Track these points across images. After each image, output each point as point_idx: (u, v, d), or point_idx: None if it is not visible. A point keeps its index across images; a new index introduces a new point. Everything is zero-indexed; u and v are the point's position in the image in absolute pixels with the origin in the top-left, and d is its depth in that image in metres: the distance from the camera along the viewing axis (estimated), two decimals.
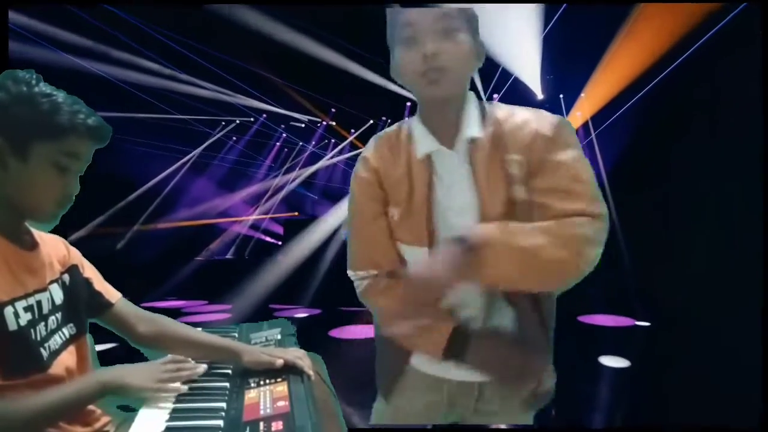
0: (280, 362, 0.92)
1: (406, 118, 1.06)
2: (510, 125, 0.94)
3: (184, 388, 0.83)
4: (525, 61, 5.93)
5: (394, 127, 1.05)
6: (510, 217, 0.89)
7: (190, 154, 8.46)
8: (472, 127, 0.95)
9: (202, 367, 0.89)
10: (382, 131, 1.06)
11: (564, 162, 0.92)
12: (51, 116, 0.80)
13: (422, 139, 0.97)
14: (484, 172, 0.92)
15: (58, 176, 0.83)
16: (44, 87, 0.82)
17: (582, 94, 6.52)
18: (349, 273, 1.06)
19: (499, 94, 6.97)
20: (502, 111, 0.98)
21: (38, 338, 0.83)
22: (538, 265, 0.83)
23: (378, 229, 1.00)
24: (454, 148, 0.96)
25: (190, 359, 0.94)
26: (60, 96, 0.82)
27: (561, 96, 6.96)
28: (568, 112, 6.94)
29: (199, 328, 1.11)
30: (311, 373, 0.92)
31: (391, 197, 0.99)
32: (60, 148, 0.81)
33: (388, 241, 1.00)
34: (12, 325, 0.77)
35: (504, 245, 0.82)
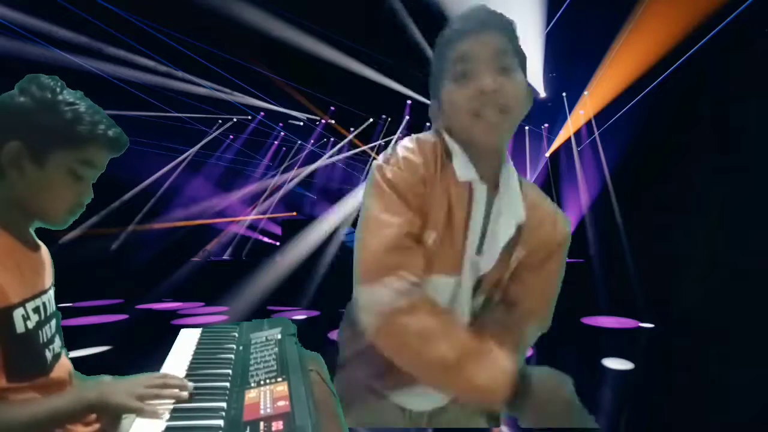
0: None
1: (432, 131, 0.93)
2: (534, 218, 0.94)
3: (165, 410, 0.79)
4: (527, 58, 5.89)
5: (429, 136, 0.91)
6: (498, 284, 0.95)
7: (186, 153, 8.40)
8: (517, 206, 0.93)
9: (186, 393, 0.83)
10: (418, 136, 0.91)
11: (554, 272, 0.98)
12: (73, 125, 0.82)
13: (464, 166, 0.89)
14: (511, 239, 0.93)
15: (73, 183, 0.84)
16: (67, 94, 0.84)
17: (585, 92, 6.50)
18: (364, 288, 0.83)
19: None
20: (531, 189, 0.98)
21: (44, 340, 0.84)
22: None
23: (414, 240, 0.85)
24: (506, 192, 0.91)
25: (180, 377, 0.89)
26: (82, 105, 0.84)
27: (564, 94, 6.95)
28: (571, 110, 6.92)
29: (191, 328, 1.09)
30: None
31: (429, 215, 0.87)
32: (78, 157, 0.83)
33: (421, 257, 0.85)
34: (20, 328, 0.78)
35: None
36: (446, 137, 0.91)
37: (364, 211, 0.88)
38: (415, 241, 0.85)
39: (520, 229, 0.92)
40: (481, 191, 0.90)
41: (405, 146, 0.89)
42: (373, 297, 0.82)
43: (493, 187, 0.91)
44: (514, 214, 0.92)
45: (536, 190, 0.99)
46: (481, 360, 0.79)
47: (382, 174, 0.86)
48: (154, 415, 0.77)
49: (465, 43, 0.83)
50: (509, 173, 0.93)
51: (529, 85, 0.90)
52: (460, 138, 0.89)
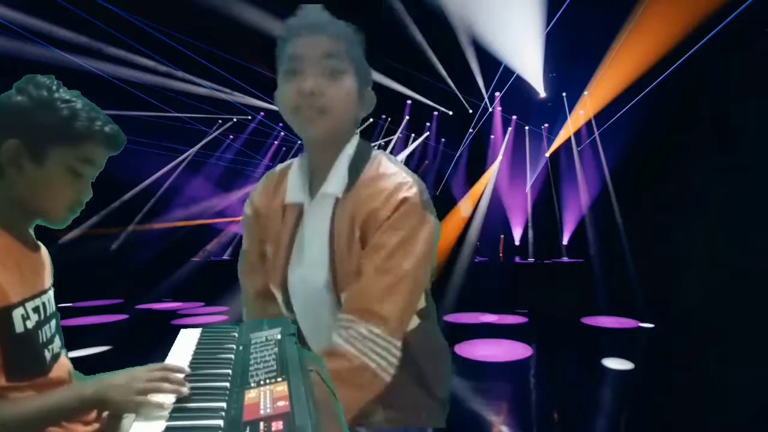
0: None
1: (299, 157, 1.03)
2: (369, 190, 0.91)
3: (168, 402, 0.78)
4: (527, 58, 5.90)
5: (287, 163, 1.07)
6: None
7: (186, 153, 8.40)
8: (334, 183, 0.93)
9: (185, 389, 0.82)
10: (276, 167, 1.09)
11: (383, 245, 0.86)
12: (70, 122, 0.82)
13: (293, 186, 0.98)
14: (341, 231, 0.91)
15: (72, 181, 0.85)
16: (64, 93, 0.85)
17: (585, 92, 6.50)
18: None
19: (501, 92, 6.94)
20: (374, 169, 0.93)
21: (44, 340, 0.84)
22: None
23: (251, 263, 1.07)
24: (316, 200, 0.95)
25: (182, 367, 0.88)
26: (79, 102, 0.85)
27: (564, 94, 6.95)
28: (571, 110, 6.92)
29: (189, 328, 1.09)
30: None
31: (266, 236, 1.03)
32: (76, 154, 0.84)
33: (261, 275, 1.05)
34: (19, 327, 0.78)
35: None
36: (297, 159, 1.03)
37: None
38: (254, 264, 1.06)
39: (357, 201, 0.91)
40: (312, 208, 0.96)
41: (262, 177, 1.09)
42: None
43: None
44: (332, 186, 0.93)
45: (386, 167, 0.93)
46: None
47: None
48: (157, 408, 0.76)
49: (296, 43, 0.88)
50: (345, 150, 0.94)
51: (371, 89, 0.96)
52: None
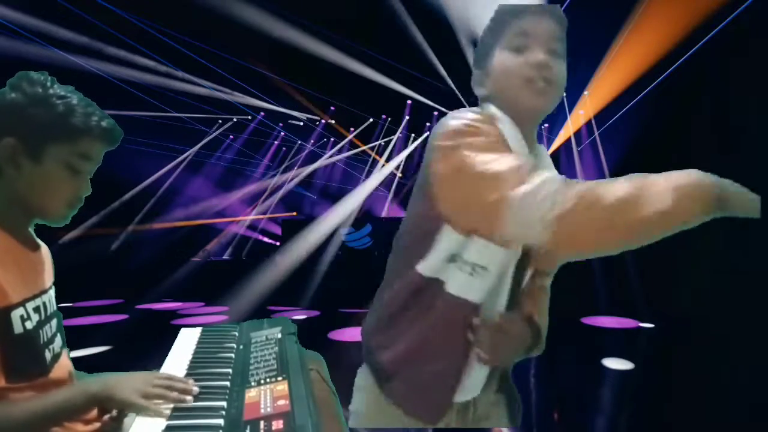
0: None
1: (478, 108, 0.95)
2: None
3: (166, 410, 0.79)
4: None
5: (478, 112, 0.92)
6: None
7: (186, 153, 8.41)
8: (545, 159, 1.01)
9: (194, 391, 0.83)
10: (469, 111, 0.90)
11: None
12: (65, 118, 0.82)
13: (515, 143, 0.90)
14: None
15: (70, 177, 0.84)
16: (58, 89, 0.84)
17: (585, 92, 6.50)
18: (526, 188, 0.74)
19: None
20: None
21: (45, 340, 0.84)
22: None
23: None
24: None
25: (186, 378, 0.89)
26: (74, 98, 0.84)
27: (564, 94, 6.94)
28: (571, 110, 6.93)
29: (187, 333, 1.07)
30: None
31: None
32: (73, 150, 0.83)
33: None
34: (18, 328, 0.78)
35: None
36: (498, 114, 0.91)
37: (461, 167, 0.82)
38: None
39: None
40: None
41: (472, 116, 0.88)
42: (541, 192, 0.75)
43: None
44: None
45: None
46: (654, 176, 0.73)
47: (467, 126, 0.85)
48: (157, 414, 0.77)
49: (526, 21, 0.92)
50: (542, 150, 1.01)
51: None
52: (505, 104, 0.93)
